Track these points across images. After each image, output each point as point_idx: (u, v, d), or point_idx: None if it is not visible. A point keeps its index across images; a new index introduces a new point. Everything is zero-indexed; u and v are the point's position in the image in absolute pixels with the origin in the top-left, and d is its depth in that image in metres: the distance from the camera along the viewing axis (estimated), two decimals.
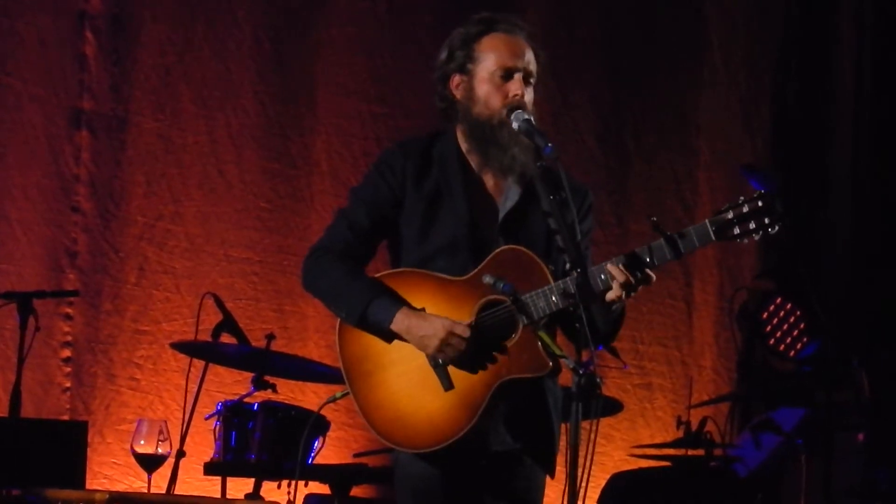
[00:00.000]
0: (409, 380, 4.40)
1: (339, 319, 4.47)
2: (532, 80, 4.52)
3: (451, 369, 4.37)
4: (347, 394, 4.47)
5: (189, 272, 7.51)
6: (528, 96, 4.49)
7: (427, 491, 4.44)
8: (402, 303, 4.39)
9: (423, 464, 4.42)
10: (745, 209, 4.29)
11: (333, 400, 4.66)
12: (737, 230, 4.30)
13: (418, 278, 4.44)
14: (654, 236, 4.34)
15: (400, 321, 4.36)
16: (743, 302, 8.71)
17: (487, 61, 4.48)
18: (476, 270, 4.40)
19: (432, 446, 4.37)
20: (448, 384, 4.37)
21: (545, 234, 4.48)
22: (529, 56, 4.51)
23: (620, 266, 4.29)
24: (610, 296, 4.31)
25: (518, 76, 4.48)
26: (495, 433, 4.44)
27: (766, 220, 4.30)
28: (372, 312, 4.38)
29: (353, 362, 4.45)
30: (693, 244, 4.32)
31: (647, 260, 4.31)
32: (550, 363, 4.31)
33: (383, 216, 4.52)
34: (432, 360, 4.37)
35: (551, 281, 4.35)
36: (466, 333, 4.32)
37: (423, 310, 4.39)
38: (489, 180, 4.55)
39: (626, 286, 4.28)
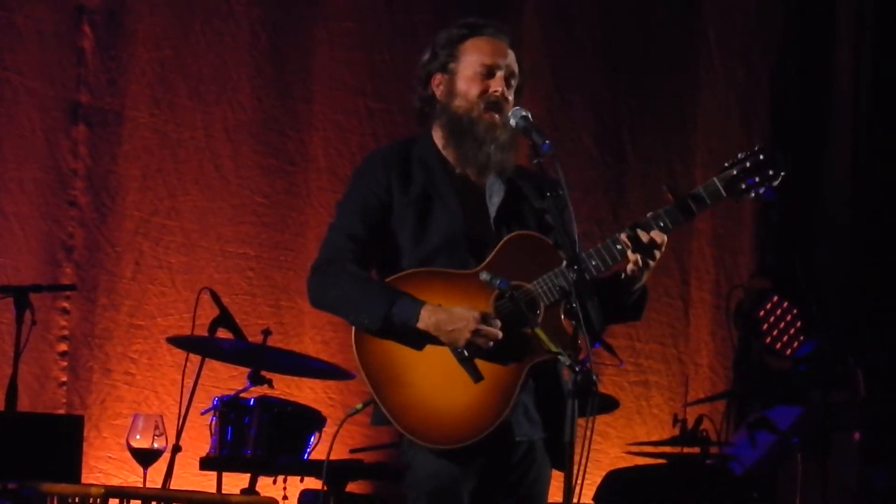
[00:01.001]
0: (436, 377, 4.36)
1: (352, 329, 4.40)
2: (514, 82, 4.54)
3: (478, 360, 4.35)
4: (370, 403, 4.41)
5: (185, 267, 7.50)
6: (510, 96, 4.51)
7: (443, 489, 4.39)
8: (421, 301, 4.36)
9: (440, 462, 4.37)
10: (748, 164, 4.37)
11: (355, 412, 4.56)
12: (744, 185, 4.38)
13: (429, 276, 4.42)
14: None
15: (426, 318, 4.33)
16: (739, 300, 8.71)
17: (470, 59, 4.51)
18: (488, 260, 4.39)
19: (475, 436, 4.33)
20: (477, 376, 4.34)
21: (536, 224, 4.50)
22: (512, 58, 4.54)
23: (634, 232, 4.32)
24: (629, 267, 4.34)
25: (500, 74, 4.50)
26: (518, 424, 4.43)
27: (770, 172, 4.37)
28: (395, 314, 4.33)
29: (376, 369, 4.39)
30: (705, 203, 4.39)
31: (662, 224, 4.36)
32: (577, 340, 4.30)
33: (377, 222, 4.49)
34: (458, 353, 4.35)
35: (563, 261, 4.34)
36: (497, 322, 4.31)
37: (440, 306, 4.37)
38: (472, 176, 4.55)
39: (640, 250, 4.31)
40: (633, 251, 4.33)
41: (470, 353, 4.34)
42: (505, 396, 4.33)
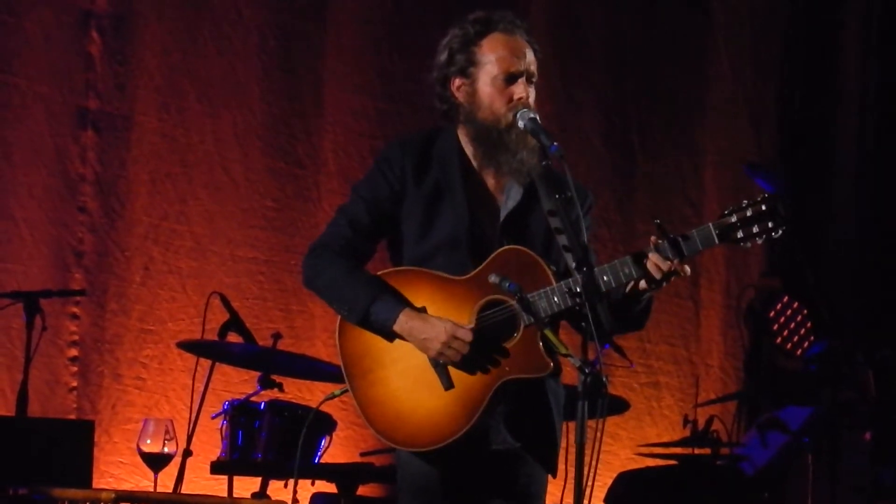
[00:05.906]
0: (409, 378, 4.39)
1: (339, 317, 4.46)
2: (534, 80, 4.51)
3: (452, 368, 4.36)
4: (346, 391, 4.46)
5: (195, 272, 7.50)
6: (532, 96, 4.49)
7: (428, 490, 4.43)
8: (404, 303, 4.37)
9: (424, 463, 4.41)
10: (749, 213, 4.27)
11: (332, 397, 4.65)
12: (741, 234, 4.28)
13: (419, 277, 4.43)
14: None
15: (403, 322, 4.35)
16: (750, 300, 8.71)
17: (489, 65, 4.47)
18: (477, 270, 4.39)
19: (431, 445, 4.36)
20: (448, 383, 4.36)
21: (544, 233, 4.47)
22: (530, 56, 4.50)
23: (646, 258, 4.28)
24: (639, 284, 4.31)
25: (522, 79, 4.47)
26: (496, 432, 4.44)
27: (770, 224, 4.28)
28: (375, 312, 4.37)
29: (353, 360, 4.44)
30: (696, 247, 4.30)
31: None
32: (551, 364, 4.31)
33: (384, 213, 4.51)
34: (433, 359, 4.37)
35: (553, 281, 4.34)
36: (469, 337, 4.32)
37: (423, 309, 4.38)
38: (490, 179, 4.54)
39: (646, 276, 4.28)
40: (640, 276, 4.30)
41: (443, 361, 4.35)
42: (470, 410, 4.34)
